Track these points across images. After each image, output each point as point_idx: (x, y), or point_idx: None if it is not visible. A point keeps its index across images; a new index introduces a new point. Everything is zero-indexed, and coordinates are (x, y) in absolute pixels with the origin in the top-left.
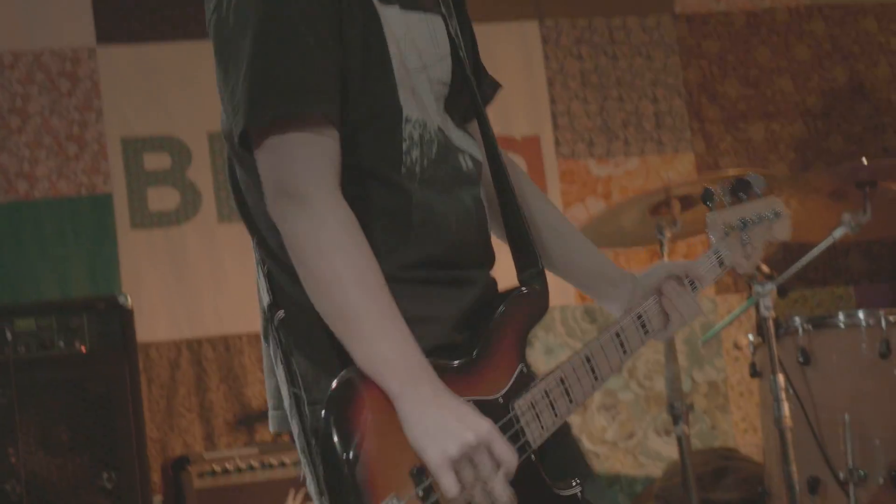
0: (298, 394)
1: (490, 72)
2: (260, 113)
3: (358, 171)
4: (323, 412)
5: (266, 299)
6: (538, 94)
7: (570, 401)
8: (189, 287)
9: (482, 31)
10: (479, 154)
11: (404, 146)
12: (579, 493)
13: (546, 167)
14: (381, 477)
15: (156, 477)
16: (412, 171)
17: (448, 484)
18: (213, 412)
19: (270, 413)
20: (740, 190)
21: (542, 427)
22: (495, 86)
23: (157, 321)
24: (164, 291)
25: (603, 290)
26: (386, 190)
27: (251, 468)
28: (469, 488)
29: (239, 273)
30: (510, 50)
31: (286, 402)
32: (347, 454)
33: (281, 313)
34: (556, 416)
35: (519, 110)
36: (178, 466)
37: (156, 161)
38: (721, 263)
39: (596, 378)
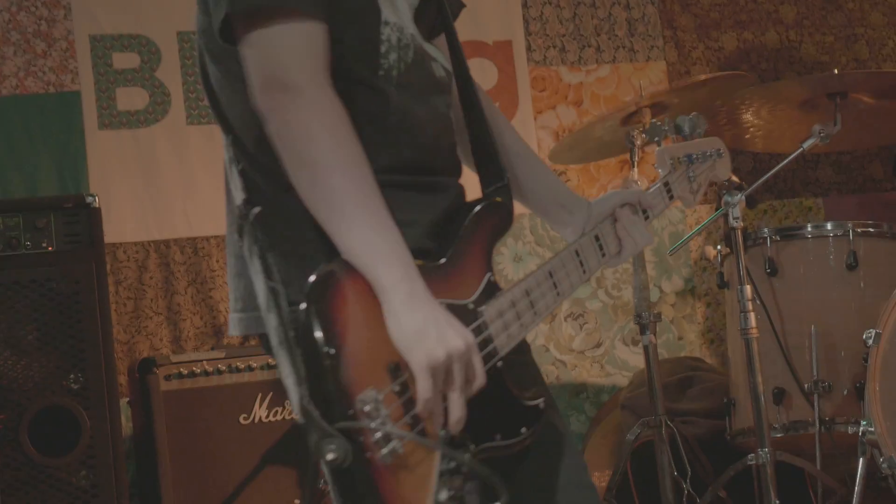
0: (275, 287)
1: None
2: (246, 3)
3: (338, 72)
4: (303, 303)
5: (240, 196)
6: None
7: (535, 313)
8: (157, 188)
9: None
10: (450, 66)
11: (383, 48)
12: (541, 405)
13: (518, 73)
14: (360, 368)
15: (122, 379)
16: (390, 74)
17: (425, 386)
18: (180, 315)
19: (236, 316)
20: (685, 127)
21: (509, 335)
22: (460, 5)
23: (124, 222)
24: (133, 192)
25: (558, 215)
26: (365, 92)
27: (218, 371)
28: (437, 395)
29: (208, 175)
30: None
31: (261, 298)
32: (328, 344)
33: (257, 209)
34: (521, 325)
35: (491, 14)
36: (144, 369)
37: (125, 60)
38: (670, 195)
39: (558, 293)
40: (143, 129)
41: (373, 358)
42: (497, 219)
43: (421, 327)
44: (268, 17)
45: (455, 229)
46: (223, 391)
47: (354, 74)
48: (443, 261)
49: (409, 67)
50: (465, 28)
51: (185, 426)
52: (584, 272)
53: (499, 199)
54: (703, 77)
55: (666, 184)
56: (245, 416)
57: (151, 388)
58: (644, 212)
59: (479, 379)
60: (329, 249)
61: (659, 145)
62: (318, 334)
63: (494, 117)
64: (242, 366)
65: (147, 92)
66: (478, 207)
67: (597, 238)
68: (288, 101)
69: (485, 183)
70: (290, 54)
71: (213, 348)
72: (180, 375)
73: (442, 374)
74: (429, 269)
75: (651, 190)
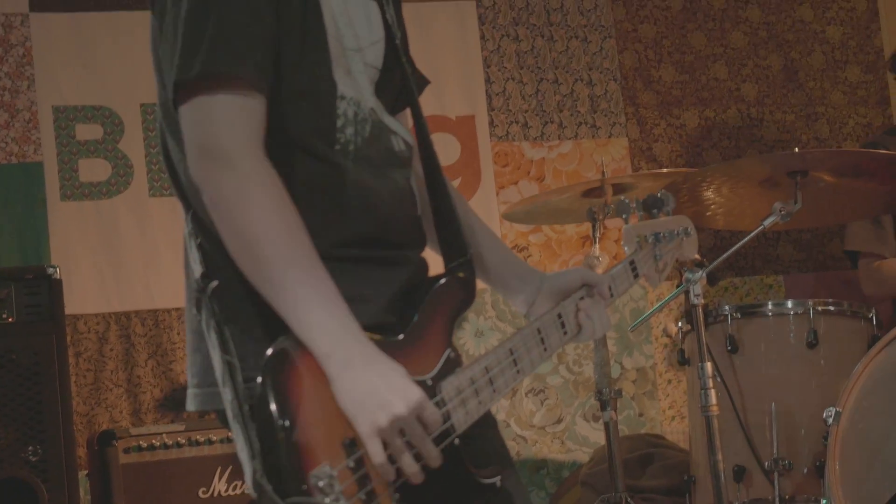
0: (231, 361)
1: (427, 51)
2: (188, 68)
3: (293, 147)
4: (259, 378)
5: (198, 270)
6: (474, 74)
7: (494, 390)
8: (119, 260)
9: (420, 10)
10: (411, 139)
11: (338, 123)
12: (498, 482)
13: (480, 148)
14: (314, 444)
15: (81, 451)
16: (346, 148)
17: (375, 452)
18: (140, 387)
19: (192, 391)
20: (653, 206)
21: (467, 413)
22: (424, 82)
23: (86, 294)
24: (94, 264)
25: (511, 285)
26: (320, 166)
27: (178, 445)
28: (398, 455)
29: (170, 248)
30: (447, 29)
31: (217, 371)
32: (283, 420)
33: (214, 283)
34: (480, 403)
35: (455, 90)
36: (103, 441)
37: (88, 131)
38: (636, 274)
39: (518, 371)
40: (106, 201)
41: (328, 433)
42: (459, 294)
43: (361, 394)
44: (209, 85)
45: (416, 304)
46: (183, 464)
47: (310, 148)
48: (402, 336)
49: (367, 141)
50: (428, 103)
51: (144, 499)
52: (546, 350)
53: (461, 274)
54: (665, 170)
55: (632, 262)
56: (204, 489)
57: (110, 460)
58: (610, 291)
59: (434, 425)
60: (285, 325)
61: (626, 222)
62: (273, 408)
63: (456, 193)
64: (202, 439)
65: (110, 163)
66: (439, 283)
67: (559, 316)
68: (219, 172)
69: (447, 257)
70: (224, 124)
71: (172, 421)
72: (140, 448)
73: (392, 437)
74: (387, 344)
75: (616, 269)
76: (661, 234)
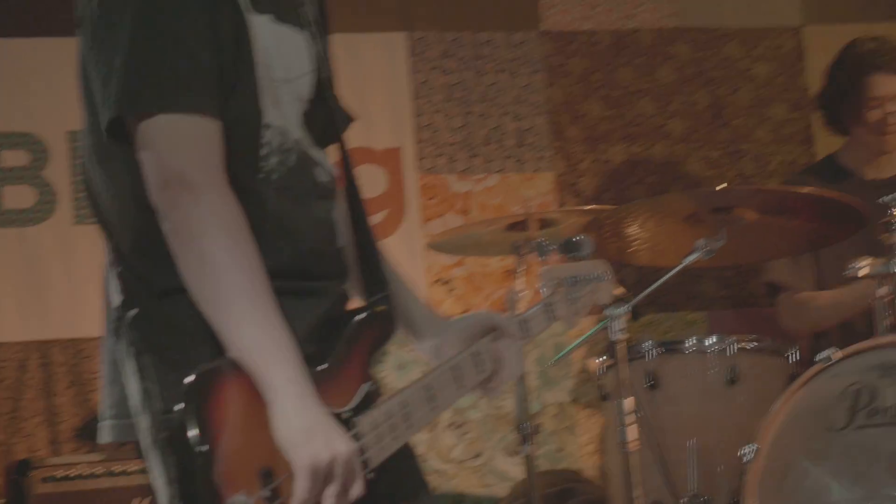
0: (149, 388)
1: (355, 82)
2: (142, 103)
3: None
4: (180, 402)
5: (118, 299)
6: (402, 106)
7: (410, 426)
8: (41, 288)
9: (350, 41)
10: (336, 172)
11: (262, 152)
12: None
13: (406, 180)
14: (232, 472)
15: None
16: (269, 177)
17: (303, 486)
18: (59, 417)
19: (107, 423)
20: (571, 249)
21: (382, 448)
22: (350, 119)
23: (6, 321)
24: (16, 291)
25: (419, 329)
26: (241, 194)
27: (95, 475)
28: (320, 497)
29: (93, 276)
30: (377, 60)
31: (135, 399)
32: (201, 445)
33: (134, 311)
34: (395, 438)
35: (382, 122)
36: (21, 470)
37: (13, 158)
38: (552, 315)
39: (433, 408)
40: (30, 228)
41: (246, 462)
42: (378, 329)
43: (309, 428)
44: (165, 116)
45: (335, 337)
46: (100, 494)
47: (233, 176)
48: (321, 368)
49: (291, 171)
50: (355, 134)
51: None
52: (460, 388)
53: (381, 308)
54: (589, 207)
55: (548, 304)
56: None
57: (27, 490)
58: (525, 330)
59: (358, 488)
60: (206, 354)
61: (544, 263)
62: (193, 434)
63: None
64: (120, 469)
65: (34, 190)
66: (359, 316)
67: (474, 356)
68: (187, 199)
69: (368, 292)
70: (189, 153)
71: (91, 451)
72: (57, 478)
73: (322, 477)
74: (308, 374)
75: (533, 310)
76: (578, 278)
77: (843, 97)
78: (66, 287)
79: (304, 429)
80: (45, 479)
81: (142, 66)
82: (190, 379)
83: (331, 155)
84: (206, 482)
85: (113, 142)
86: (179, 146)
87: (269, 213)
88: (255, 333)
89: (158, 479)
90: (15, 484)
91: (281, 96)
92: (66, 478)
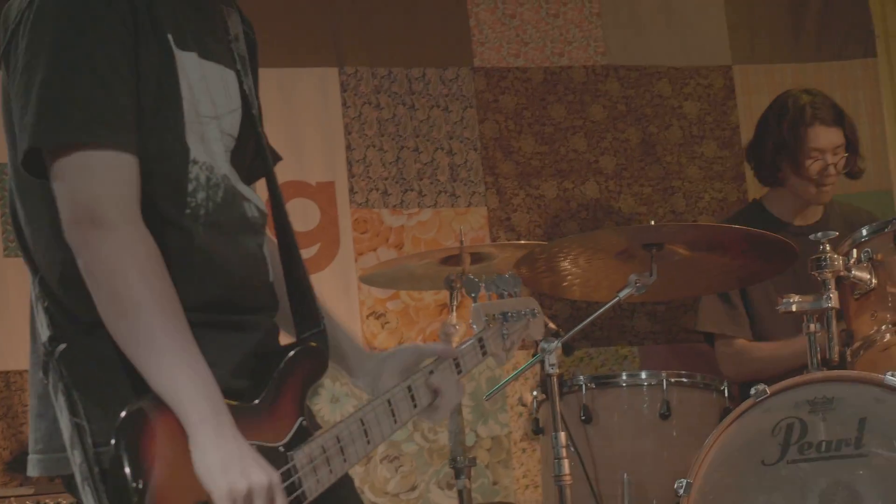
0: (80, 423)
1: (288, 116)
2: (55, 134)
3: (144, 210)
4: (113, 439)
5: (45, 333)
6: (335, 141)
7: (345, 459)
8: None
9: (283, 76)
10: (264, 208)
11: (190, 187)
12: None
13: (340, 214)
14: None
15: None
16: (196, 212)
17: None
18: None
19: (35, 457)
20: (501, 286)
21: (318, 481)
22: (277, 157)
23: None
24: None
25: (351, 365)
26: (169, 230)
27: None
28: None
29: (21, 309)
30: (309, 95)
31: (66, 434)
32: (136, 482)
33: (62, 346)
34: (331, 472)
35: (315, 156)
36: None
37: None
38: (483, 351)
39: (368, 441)
40: None
41: (182, 495)
42: (312, 364)
43: (225, 460)
44: (79, 150)
45: (268, 371)
46: None
47: (160, 212)
48: (256, 402)
49: (219, 207)
50: (288, 168)
51: None
52: (396, 422)
53: (314, 343)
54: (522, 242)
55: (480, 340)
56: None
57: None
58: (457, 366)
59: None
60: (134, 388)
61: (475, 300)
62: (127, 471)
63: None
64: (52, 503)
65: None
66: (292, 352)
67: (409, 389)
68: (98, 236)
69: (300, 327)
70: (101, 188)
71: (21, 484)
72: None
73: None
74: (241, 409)
75: (465, 345)
76: (509, 314)
77: (781, 149)
78: None
79: (219, 461)
80: None
81: (57, 98)
82: (122, 414)
83: (260, 191)
84: None
85: (31, 175)
86: (91, 181)
87: (198, 248)
88: (168, 372)
89: None
90: None
91: (207, 132)
92: None
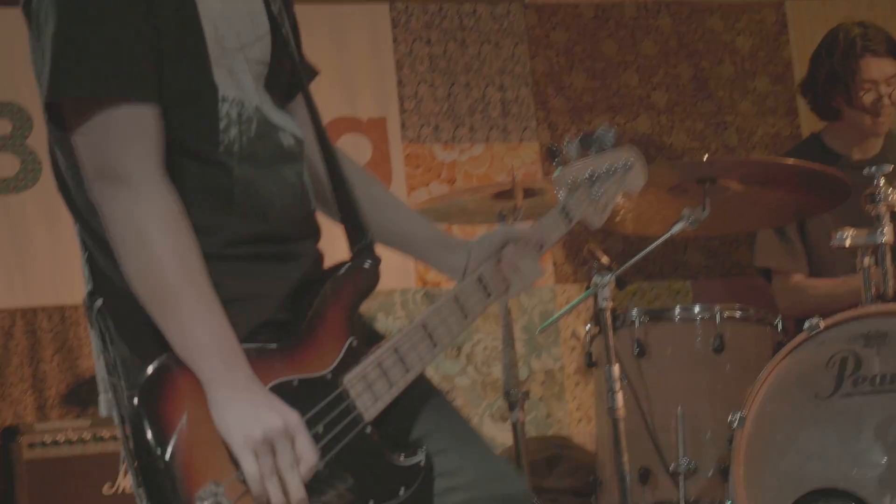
0: (117, 384)
1: (339, 53)
2: (68, 89)
3: (175, 151)
4: (135, 399)
5: (87, 286)
6: (386, 77)
7: (406, 369)
8: (26, 255)
9: (333, 13)
10: (301, 133)
11: (221, 125)
12: (422, 462)
13: (391, 150)
14: (197, 464)
15: None
16: (230, 148)
17: (248, 465)
18: (46, 383)
19: (101, 397)
20: (589, 144)
21: (375, 398)
22: (313, 73)
23: None
24: (1, 260)
25: (439, 256)
26: (205, 168)
27: (83, 441)
28: (268, 476)
29: (77, 244)
30: (359, 32)
31: (109, 393)
32: (160, 442)
33: (99, 302)
34: (390, 385)
35: (366, 92)
36: (7, 436)
37: None
38: (569, 220)
39: (434, 344)
40: (13, 196)
41: (213, 450)
42: (358, 282)
43: (239, 413)
44: (96, 104)
45: (311, 299)
46: (88, 460)
47: (193, 151)
48: (296, 334)
49: (253, 140)
50: (339, 105)
51: (48, 496)
52: (466, 316)
53: (360, 259)
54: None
55: (563, 209)
56: (110, 484)
57: (14, 456)
58: (540, 245)
59: (308, 458)
60: (166, 346)
61: (557, 168)
62: (149, 434)
63: (359, 173)
64: (108, 435)
65: (18, 158)
66: (336, 273)
67: (480, 279)
68: (117, 192)
69: (351, 242)
70: (117, 143)
71: (78, 416)
72: (44, 444)
73: (264, 453)
74: (276, 347)
75: (544, 218)
76: (597, 173)
77: (834, 82)
78: (50, 254)
79: (233, 415)
80: (32, 445)
81: (69, 51)
82: (147, 373)
83: (299, 111)
84: (170, 479)
85: (57, 127)
86: (107, 136)
87: (236, 183)
88: (183, 329)
89: (131, 479)
90: (1, 450)
91: (235, 66)
92: (55, 443)
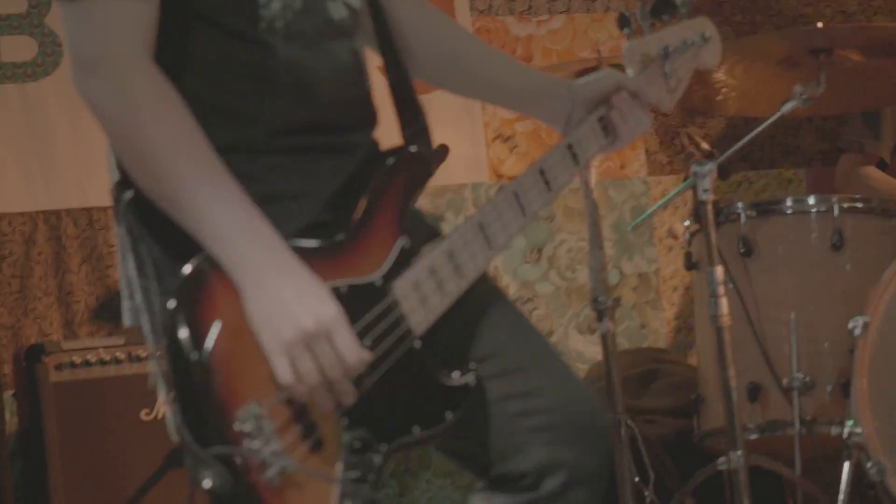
0: (148, 286)
1: None
2: None
3: (212, 30)
4: (170, 302)
5: (115, 176)
6: None
7: (462, 277)
8: (47, 151)
9: None
10: (356, 2)
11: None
12: (472, 381)
13: (460, 23)
14: (237, 380)
15: (6, 368)
16: (272, 25)
17: (281, 371)
18: (73, 296)
19: (124, 304)
20: (662, 11)
21: (428, 310)
22: None
23: (9, 190)
24: (19, 156)
25: (540, 104)
26: (244, 48)
27: (117, 361)
28: (308, 380)
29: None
30: None
31: (137, 297)
32: (198, 353)
33: (129, 194)
34: (444, 296)
35: None
36: (32, 357)
37: (9, 4)
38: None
39: (491, 247)
40: (31, 84)
41: (253, 365)
42: (410, 172)
43: (268, 305)
44: None
45: (359, 193)
46: (122, 383)
47: (231, 29)
48: (342, 233)
49: (298, 14)
50: None
51: (78, 422)
52: (524, 214)
53: (413, 147)
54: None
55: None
56: (147, 411)
57: (40, 378)
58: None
59: (351, 358)
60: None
61: (629, 39)
62: (186, 341)
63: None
64: (144, 354)
65: (35, 41)
66: (385, 164)
67: (542, 172)
68: (101, 85)
69: (403, 126)
70: (101, 33)
71: (110, 334)
72: (73, 365)
73: (301, 356)
74: (321, 247)
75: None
76: (671, 47)
77: None
78: (74, 150)
79: (263, 309)
80: (59, 367)
81: None
82: (182, 274)
83: None
84: (207, 395)
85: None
86: (93, 27)
87: (280, 64)
88: (201, 219)
89: (162, 394)
90: (25, 372)
91: None
92: (85, 363)
